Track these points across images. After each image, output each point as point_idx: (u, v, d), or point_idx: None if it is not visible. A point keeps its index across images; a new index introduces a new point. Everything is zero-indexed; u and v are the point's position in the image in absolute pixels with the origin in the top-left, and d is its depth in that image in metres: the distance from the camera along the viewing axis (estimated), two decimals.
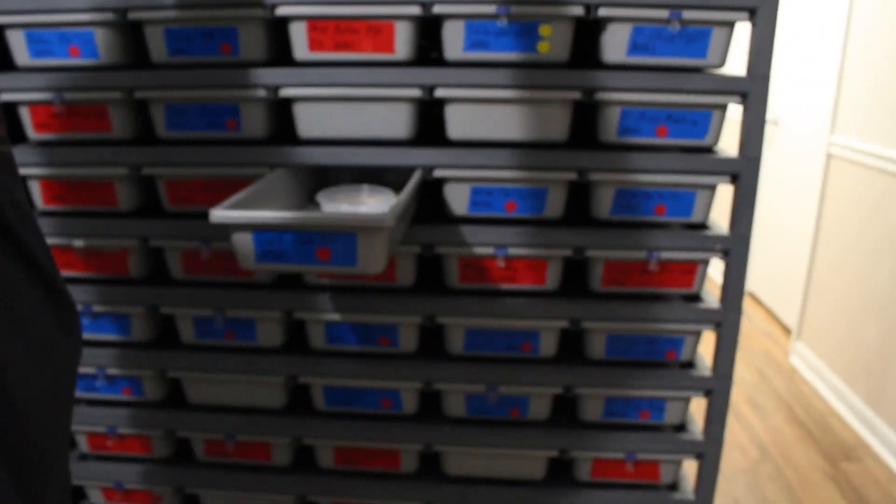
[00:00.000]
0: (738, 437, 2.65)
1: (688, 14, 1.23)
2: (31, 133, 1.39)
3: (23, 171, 1.38)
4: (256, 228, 1.03)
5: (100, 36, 1.32)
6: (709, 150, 1.34)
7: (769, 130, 3.63)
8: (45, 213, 1.43)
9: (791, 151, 3.49)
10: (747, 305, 3.84)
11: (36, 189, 1.42)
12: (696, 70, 1.29)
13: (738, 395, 2.96)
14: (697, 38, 1.25)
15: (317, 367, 1.45)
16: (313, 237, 1.02)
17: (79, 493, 1.65)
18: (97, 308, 1.47)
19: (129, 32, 1.35)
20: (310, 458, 1.56)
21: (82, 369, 1.50)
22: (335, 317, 1.42)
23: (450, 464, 1.52)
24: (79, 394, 1.54)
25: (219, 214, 1.03)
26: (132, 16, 1.29)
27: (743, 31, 1.25)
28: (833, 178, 3.00)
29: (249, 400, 1.51)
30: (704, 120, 1.29)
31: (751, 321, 3.71)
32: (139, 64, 1.37)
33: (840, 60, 2.93)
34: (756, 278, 3.89)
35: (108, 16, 1.29)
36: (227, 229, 1.06)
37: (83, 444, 1.60)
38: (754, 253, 3.80)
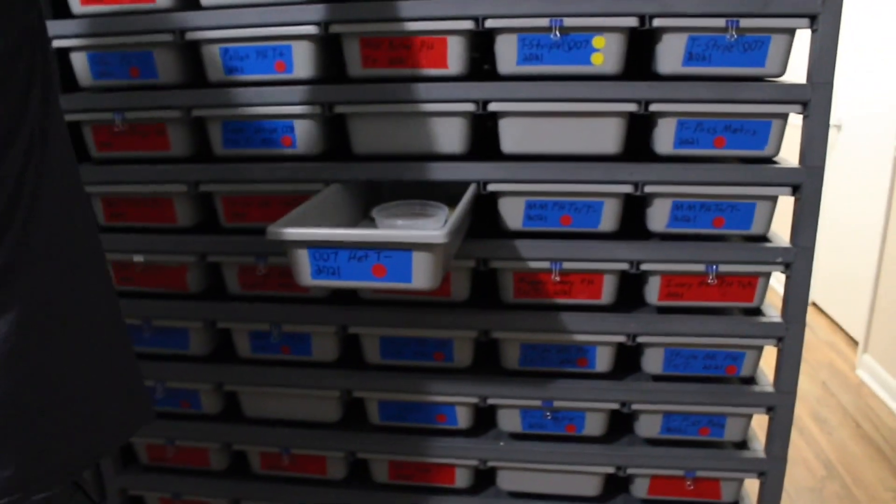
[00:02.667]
0: (802, 453, 2.57)
1: (745, 22, 1.20)
2: (94, 152, 1.43)
3: (86, 188, 1.41)
4: (312, 245, 1.03)
5: (159, 56, 1.35)
6: (769, 160, 1.31)
7: (832, 135, 3.53)
8: (106, 229, 1.47)
9: (856, 156, 3.38)
10: (810, 316, 3.72)
11: (98, 206, 1.46)
12: (754, 79, 1.25)
13: (801, 410, 2.87)
14: (755, 47, 1.22)
15: (371, 381, 1.46)
16: (368, 254, 1.02)
17: (138, 503, 1.68)
18: (156, 322, 1.50)
19: (187, 52, 1.38)
20: (364, 472, 1.57)
21: None
22: (390, 331, 1.42)
23: (505, 479, 1.50)
24: None
25: (275, 231, 1.04)
26: (189, 36, 1.32)
27: (805, 38, 1.21)
28: None
29: (304, 414, 1.52)
30: (764, 130, 1.25)
31: (814, 332, 3.60)
32: (196, 83, 1.40)
33: None
34: (820, 288, 3.77)
35: (167, 37, 1.32)
36: (283, 246, 1.07)
37: (143, 455, 1.63)
38: (818, 261, 3.68)
